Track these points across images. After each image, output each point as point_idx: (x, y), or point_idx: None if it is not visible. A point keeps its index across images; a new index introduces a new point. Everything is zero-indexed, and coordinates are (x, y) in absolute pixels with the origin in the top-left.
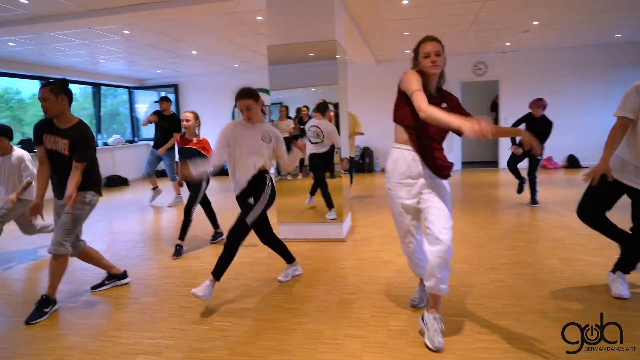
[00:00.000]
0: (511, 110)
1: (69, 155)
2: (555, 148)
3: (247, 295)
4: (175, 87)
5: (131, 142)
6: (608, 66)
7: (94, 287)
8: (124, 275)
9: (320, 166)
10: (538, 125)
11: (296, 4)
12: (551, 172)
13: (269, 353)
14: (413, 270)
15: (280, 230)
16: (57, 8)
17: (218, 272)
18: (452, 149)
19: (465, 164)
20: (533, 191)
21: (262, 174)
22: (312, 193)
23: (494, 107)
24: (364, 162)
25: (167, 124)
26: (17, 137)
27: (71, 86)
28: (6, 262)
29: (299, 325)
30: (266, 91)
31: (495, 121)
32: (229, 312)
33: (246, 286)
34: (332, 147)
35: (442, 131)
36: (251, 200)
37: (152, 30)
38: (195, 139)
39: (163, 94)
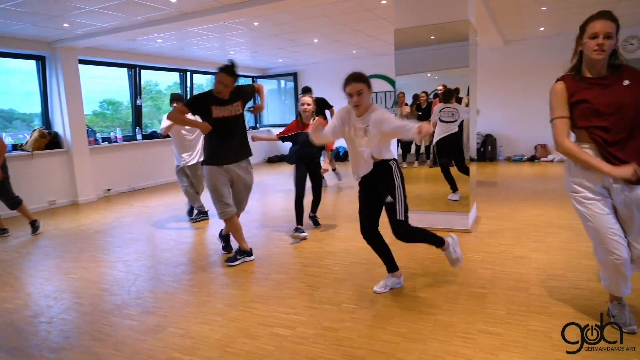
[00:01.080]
0: None
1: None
2: None
3: (374, 280)
4: (294, 76)
5: (253, 128)
6: None
7: (229, 261)
8: (251, 252)
9: (450, 149)
10: None
11: None
12: None
13: (400, 340)
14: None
15: None
16: (199, 4)
17: (390, 266)
18: None
19: None
20: None
21: (384, 163)
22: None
23: None
24: (485, 151)
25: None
26: (156, 125)
27: (201, 77)
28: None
29: (430, 315)
30: (386, 78)
31: None
32: (358, 295)
33: (373, 272)
34: (461, 128)
35: None
36: (388, 199)
37: (278, 20)
38: None
39: (283, 82)
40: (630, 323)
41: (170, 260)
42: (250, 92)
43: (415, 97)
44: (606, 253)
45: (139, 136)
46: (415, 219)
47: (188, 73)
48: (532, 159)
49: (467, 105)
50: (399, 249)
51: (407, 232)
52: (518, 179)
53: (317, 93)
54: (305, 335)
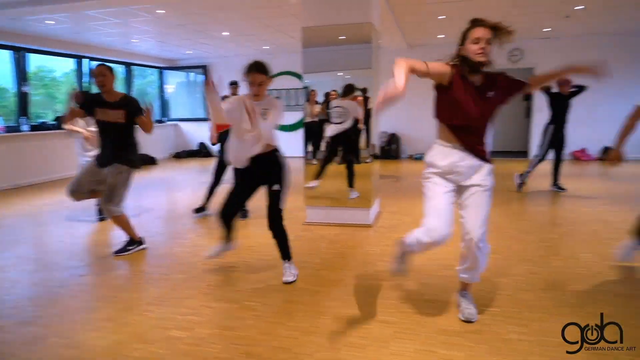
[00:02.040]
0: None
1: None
2: (590, 139)
3: (277, 277)
4: (204, 68)
5: (159, 122)
6: None
7: (118, 252)
8: (141, 241)
9: (346, 144)
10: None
11: None
12: (584, 163)
13: (299, 334)
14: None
15: (308, 214)
16: None
17: (285, 254)
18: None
19: (496, 153)
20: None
21: (275, 150)
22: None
23: (527, 96)
24: (390, 149)
25: None
26: (50, 115)
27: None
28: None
29: (329, 308)
30: (297, 75)
31: (528, 110)
32: (259, 292)
33: (276, 268)
34: (356, 124)
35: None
36: (276, 186)
37: (185, 10)
38: None
39: (192, 75)
40: (405, 268)
41: (57, 264)
42: (137, 108)
43: (327, 95)
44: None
45: (25, 127)
46: (320, 215)
47: (86, 60)
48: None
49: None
50: (303, 244)
51: (281, 223)
52: (419, 176)
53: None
54: (202, 336)
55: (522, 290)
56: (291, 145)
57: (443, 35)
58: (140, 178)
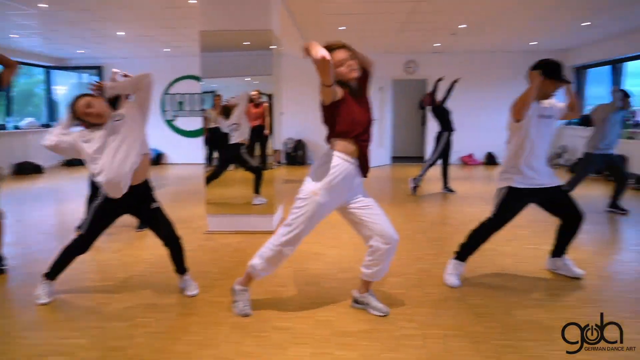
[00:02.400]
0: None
1: None
2: (476, 145)
3: (172, 290)
4: (99, 70)
5: (47, 126)
6: (520, 69)
7: None
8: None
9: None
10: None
11: None
12: (472, 168)
13: (194, 349)
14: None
15: (209, 222)
16: None
17: (181, 268)
18: (382, 144)
19: (395, 159)
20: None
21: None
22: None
23: (422, 105)
24: (296, 155)
25: None
26: None
27: None
28: None
29: (226, 319)
30: (198, 78)
31: (423, 119)
32: (153, 307)
33: (171, 280)
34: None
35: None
36: (154, 204)
37: (72, 6)
38: None
39: (86, 75)
40: (249, 310)
41: None
42: None
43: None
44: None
45: None
46: (222, 224)
47: None
48: None
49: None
50: (204, 254)
51: (177, 236)
52: None
53: None
54: None
55: (413, 287)
56: (192, 152)
57: None
58: (22, 189)
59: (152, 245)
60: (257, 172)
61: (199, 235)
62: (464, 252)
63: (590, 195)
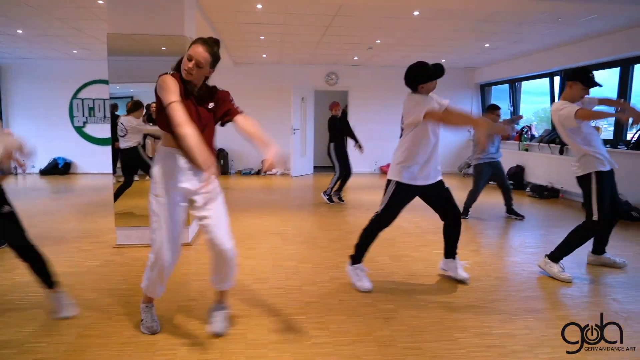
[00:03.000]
0: (359, 118)
1: None
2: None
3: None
4: None
5: None
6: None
7: None
8: None
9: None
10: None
11: None
12: (384, 176)
13: None
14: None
15: (118, 236)
16: None
17: (48, 282)
18: (305, 154)
19: (317, 168)
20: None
21: None
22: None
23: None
24: (218, 164)
25: None
26: None
27: None
28: None
29: (132, 338)
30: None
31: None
32: (48, 329)
33: (71, 296)
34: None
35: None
36: (5, 208)
37: None
38: None
39: None
40: (156, 326)
41: None
42: None
43: (147, 107)
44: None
45: None
46: (133, 237)
47: None
48: (259, 172)
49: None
50: (113, 269)
51: (31, 246)
52: (245, 191)
53: (32, 95)
54: None
55: (326, 295)
56: (104, 161)
57: (265, 55)
58: None
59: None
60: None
61: (108, 249)
62: (357, 255)
63: (492, 202)
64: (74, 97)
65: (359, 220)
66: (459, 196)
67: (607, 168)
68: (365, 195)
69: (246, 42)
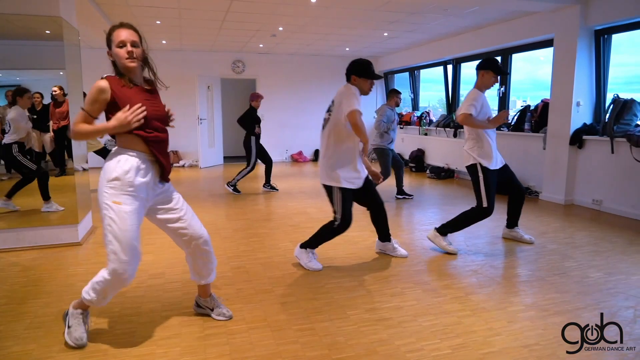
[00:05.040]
0: (268, 107)
1: None
2: (304, 143)
3: None
4: None
5: None
6: (338, 73)
7: None
8: None
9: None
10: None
11: None
12: (301, 164)
13: None
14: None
15: None
16: None
17: None
18: (214, 145)
19: (227, 159)
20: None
21: None
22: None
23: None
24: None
25: None
26: None
27: None
28: None
29: (2, 350)
30: None
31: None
32: None
33: None
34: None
35: None
36: None
37: None
38: None
39: None
40: (85, 338)
41: None
42: None
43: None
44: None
45: None
46: (9, 240)
47: None
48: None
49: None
50: None
51: None
52: None
53: None
54: None
55: (224, 285)
56: None
57: (165, 42)
58: None
59: None
60: (33, 177)
61: None
62: (313, 242)
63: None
64: None
65: (267, 208)
66: None
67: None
68: (278, 184)
69: (141, 27)
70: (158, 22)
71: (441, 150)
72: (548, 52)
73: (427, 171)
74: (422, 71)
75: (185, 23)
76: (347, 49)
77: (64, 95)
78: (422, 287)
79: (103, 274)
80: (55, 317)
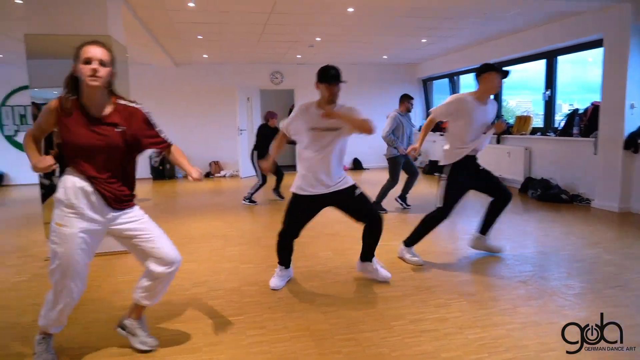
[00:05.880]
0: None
1: None
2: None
3: None
4: None
5: None
6: (377, 81)
7: None
8: None
9: None
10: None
11: None
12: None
13: None
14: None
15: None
16: None
17: None
18: None
19: None
20: None
21: None
22: None
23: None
24: (164, 169)
25: None
26: None
27: None
28: None
29: (65, 350)
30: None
31: None
32: None
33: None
34: None
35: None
36: None
37: None
38: None
39: None
40: (53, 357)
41: None
42: None
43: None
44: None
45: None
46: None
47: None
48: (208, 175)
49: None
50: (40, 283)
51: None
52: (192, 195)
53: None
54: None
55: (266, 294)
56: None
57: (206, 55)
58: None
59: None
60: None
61: (38, 262)
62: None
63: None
64: (3, 104)
65: None
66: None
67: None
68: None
69: (184, 42)
70: (200, 37)
71: (484, 156)
72: (596, 53)
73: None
74: (462, 77)
75: (225, 37)
76: (385, 56)
77: None
78: (468, 299)
79: (47, 297)
80: (105, 323)
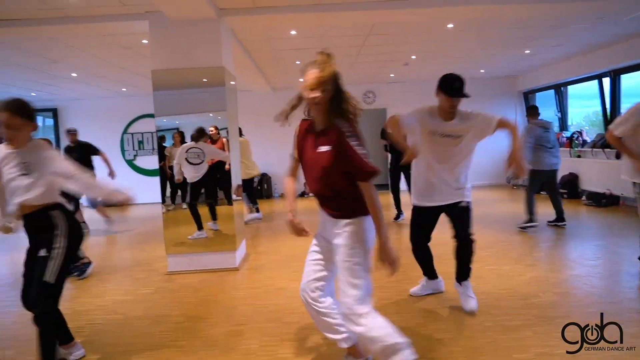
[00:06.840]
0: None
1: None
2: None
3: (125, 334)
4: (54, 112)
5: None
6: (474, 95)
7: None
8: None
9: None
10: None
11: (181, 28)
12: None
13: None
14: None
15: (169, 263)
16: None
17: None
18: None
19: None
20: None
21: (44, 211)
22: (214, 218)
23: (384, 135)
24: (262, 188)
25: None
26: None
27: None
28: None
29: None
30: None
31: (385, 149)
32: (109, 357)
33: (126, 324)
34: (212, 168)
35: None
36: (42, 252)
37: (22, 48)
38: None
39: (40, 118)
40: None
41: None
42: None
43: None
44: None
45: None
46: (183, 263)
47: None
48: (303, 194)
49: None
50: (164, 296)
51: (47, 303)
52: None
53: (86, 132)
54: None
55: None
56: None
57: (302, 80)
58: None
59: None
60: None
61: (160, 276)
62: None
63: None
64: (125, 132)
65: (407, 237)
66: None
67: None
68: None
69: (283, 68)
70: (298, 62)
71: (599, 173)
72: None
73: (583, 197)
74: (570, 87)
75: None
76: (482, 70)
77: (218, 133)
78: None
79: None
80: (224, 337)
